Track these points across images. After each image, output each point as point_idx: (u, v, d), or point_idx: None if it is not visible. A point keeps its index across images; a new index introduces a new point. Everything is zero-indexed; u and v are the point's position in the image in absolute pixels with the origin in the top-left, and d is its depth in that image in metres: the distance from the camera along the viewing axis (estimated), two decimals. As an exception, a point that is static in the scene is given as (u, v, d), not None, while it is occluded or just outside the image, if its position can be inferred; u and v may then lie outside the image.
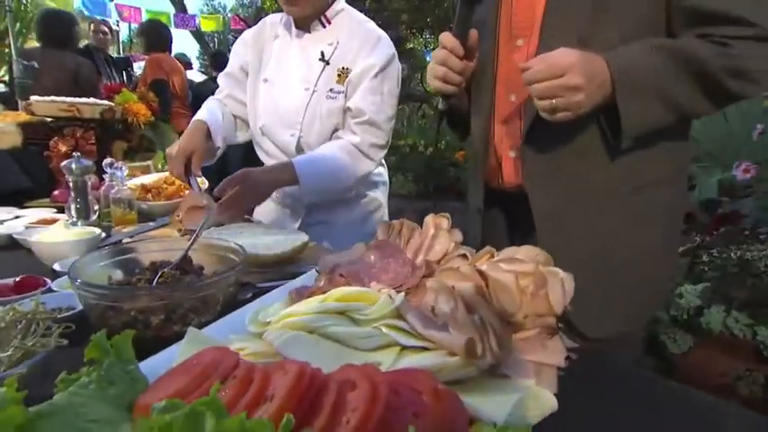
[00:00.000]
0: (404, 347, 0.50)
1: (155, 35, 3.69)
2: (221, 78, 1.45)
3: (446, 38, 0.83)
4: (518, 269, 0.54)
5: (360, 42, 1.26)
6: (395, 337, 0.50)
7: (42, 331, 0.51)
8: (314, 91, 1.26)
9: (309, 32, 1.30)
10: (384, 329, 0.51)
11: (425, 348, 0.49)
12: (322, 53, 1.27)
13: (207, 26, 6.24)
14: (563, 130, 0.80)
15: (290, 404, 0.33)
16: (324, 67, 1.27)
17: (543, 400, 0.45)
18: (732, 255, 1.71)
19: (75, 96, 1.72)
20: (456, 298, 0.53)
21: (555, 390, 0.51)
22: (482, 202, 0.97)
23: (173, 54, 4.31)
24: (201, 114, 1.30)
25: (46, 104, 1.61)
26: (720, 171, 2.39)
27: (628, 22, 0.76)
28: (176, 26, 5.86)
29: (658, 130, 0.77)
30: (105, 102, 1.82)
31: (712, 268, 1.73)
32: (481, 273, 0.54)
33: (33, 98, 1.62)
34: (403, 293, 0.56)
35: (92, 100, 1.76)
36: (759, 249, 1.67)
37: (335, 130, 1.30)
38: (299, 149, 1.31)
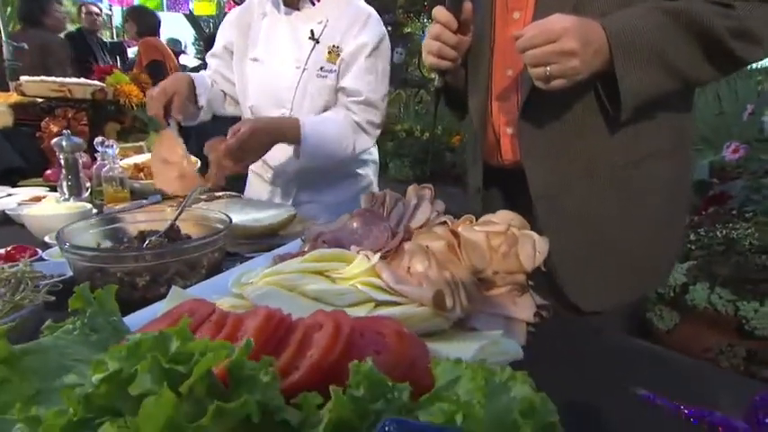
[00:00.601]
0: (378, 303, 0.52)
1: (143, 20, 3.66)
2: (208, 59, 1.46)
3: (439, 12, 0.81)
4: (489, 229, 0.56)
5: (349, 20, 1.26)
6: (369, 293, 0.52)
7: (31, 288, 0.53)
8: (304, 69, 1.26)
9: (298, 10, 1.29)
10: (359, 286, 0.53)
11: (399, 303, 0.51)
12: (312, 31, 1.26)
13: (200, 10, 6.13)
14: (560, 104, 0.78)
15: (258, 341, 0.35)
16: (314, 45, 1.27)
17: (508, 348, 0.48)
18: (718, 233, 1.74)
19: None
20: (429, 257, 0.55)
21: (523, 342, 0.53)
22: (481, 180, 0.96)
23: (164, 39, 4.28)
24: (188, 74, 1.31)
25: (36, 84, 1.60)
26: (712, 153, 2.41)
27: None
28: (168, 9, 5.77)
29: (658, 99, 0.74)
30: (96, 82, 1.82)
31: (699, 247, 1.76)
32: (454, 233, 0.56)
33: (23, 78, 1.62)
34: (379, 254, 0.58)
35: (83, 80, 1.76)
36: (744, 228, 1.70)
37: (325, 108, 1.30)
38: None
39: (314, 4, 1.28)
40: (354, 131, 1.27)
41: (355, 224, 0.75)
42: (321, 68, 1.27)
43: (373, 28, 1.27)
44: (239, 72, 1.36)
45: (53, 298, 0.53)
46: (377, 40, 1.25)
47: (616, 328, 0.94)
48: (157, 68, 3.18)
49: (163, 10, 5.84)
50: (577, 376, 0.51)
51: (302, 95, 1.28)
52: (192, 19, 7.84)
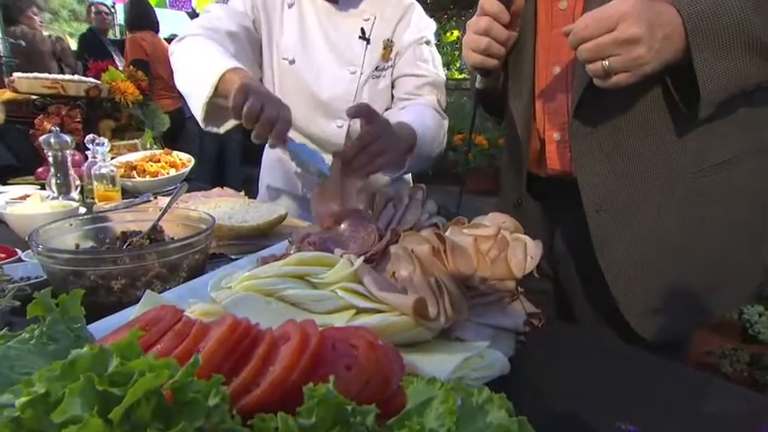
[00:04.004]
0: (359, 310, 0.50)
1: (135, 12, 3.52)
2: (213, 19, 1.08)
3: (489, 2, 0.70)
4: (478, 233, 0.53)
5: (396, 10, 1.15)
6: (350, 299, 0.49)
7: (-3, 293, 0.51)
8: (361, 74, 1.13)
9: (337, 3, 1.13)
10: (340, 292, 0.50)
11: (380, 311, 0.49)
12: (362, 30, 1.13)
13: (203, 7, 6.13)
14: (619, 104, 0.68)
15: (218, 354, 0.33)
16: (366, 46, 1.13)
17: (494, 361, 0.45)
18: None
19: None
20: (414, 261, 0.52)
21: (511, 353, 0.50)
22: (523, 192, 0.85)
23: (167, 35, 4.21)
24: (233, 62, 0.91)
25: (28, 81, 1.59)
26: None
27: None
28: (171, 7, 5.75)
29: (742, 92, 0.62)
30: (91, 79, 1.80)
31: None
32: (440, 236, 0.53)
33: (16, 75, 1.60)
34: (362, 258, 0.55)
35: (76, 77, 1.74)
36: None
37: (382, 110, 1.18)
38: (349, 141, 1.16)
39: None
40: (438, 124, 1.10)
41: (343, 226, 0.72)
42: (376, 68, 1.15)
43: (421, 12, 1.18)
44: (268, 72, 1.18)
45: (18, 303, 0.51)
46: (431, 25, 1.20)
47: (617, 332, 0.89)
48: (141, 68, 2.98)
49: (166, 7, 5.83)
50: (567, 394, 0.48)
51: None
52: (194, 16, 7.82)
